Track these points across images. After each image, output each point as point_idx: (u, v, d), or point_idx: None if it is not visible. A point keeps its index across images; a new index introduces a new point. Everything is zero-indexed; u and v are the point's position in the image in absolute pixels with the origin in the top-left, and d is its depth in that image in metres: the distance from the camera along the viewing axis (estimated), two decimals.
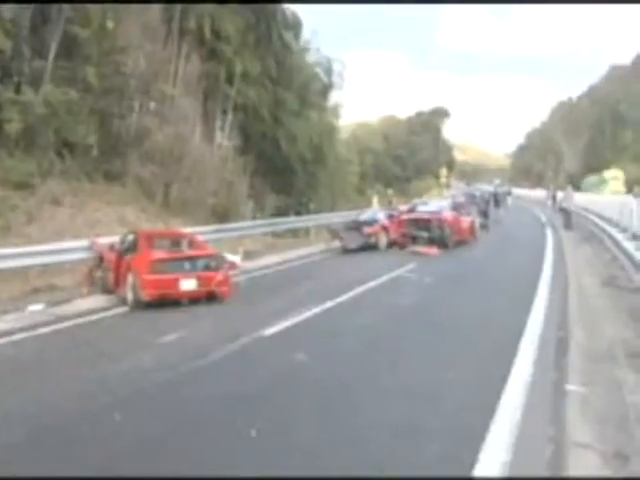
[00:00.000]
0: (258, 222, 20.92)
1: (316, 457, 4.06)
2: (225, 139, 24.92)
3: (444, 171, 58.27)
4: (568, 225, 23.89)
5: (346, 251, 17.45)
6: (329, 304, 9.42)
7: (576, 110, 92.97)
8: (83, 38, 17.40)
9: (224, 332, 7.75)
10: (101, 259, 11.23)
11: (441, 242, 17.30)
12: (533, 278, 11.63)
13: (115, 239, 11.65)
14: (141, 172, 18.87)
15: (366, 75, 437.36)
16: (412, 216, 19.23)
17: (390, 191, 41.16)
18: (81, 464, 4.01)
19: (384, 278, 12.07)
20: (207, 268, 10.01)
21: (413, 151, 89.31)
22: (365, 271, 13.21)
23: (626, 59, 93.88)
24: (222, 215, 21.06)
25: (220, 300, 9.90)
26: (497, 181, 66.19)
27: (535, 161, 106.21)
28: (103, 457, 4.11)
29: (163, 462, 4.04)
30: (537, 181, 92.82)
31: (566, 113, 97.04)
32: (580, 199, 31.18)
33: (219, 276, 10.01)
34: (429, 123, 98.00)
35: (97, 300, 10.26)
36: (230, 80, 23.92)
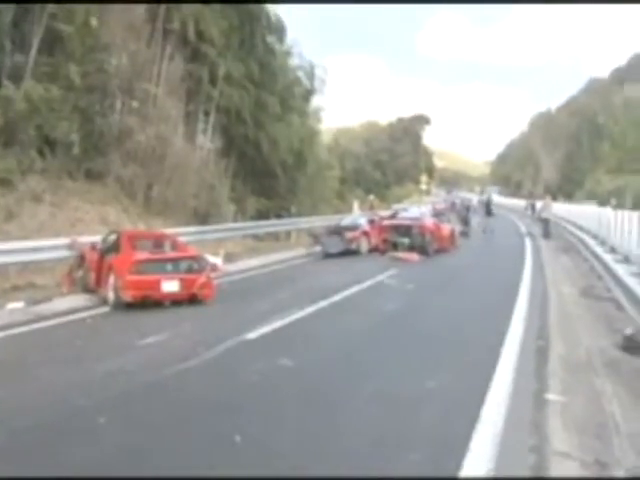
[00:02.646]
0: (239, 225, 20.93)
1: (298, 464, 4.05)
2: (207, 141, 24.82)
3: (424, 177, 59.14)
4: (547, 235, 24.25)
5: (327, 256, 17.56)
6: (311, 308, 9.44)
7: (555, 121, 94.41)
8: (66, 34, 17.18)
9: (207, 335, 7.71)
10: (82, 258, 11.15)
11: (422, 249, 17.46)
12: (513, 287, 11.77)
13: (96, 238, 11.58)
14: (123, 172, 18.71)
15: (348, 80, 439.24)
16: (393, 222, 19.46)
17: (372, 197, 41.53)
18: (63, 467, 3.94)
19: (366, 284, 12.14)
20: (189, 270, 9.99)
21: (394, 157, 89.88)
22: (347, 276, 13.27)
23: (605, 72, 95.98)
24: (203, 217, 21.00)
25: (202, 302, 9.88)
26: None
27: (514, 170, 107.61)
28: (86, 460, 4.04)
29: (147, 466, 3.99)
30: (516, 190, 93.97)
31: (545, 124, 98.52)
32: (560, 209, 31.62)
33: (201, 278, 10.00)
34: (410, 129, 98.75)
35: (78, 300, 10.19)
36: (213, 82, 23.86)
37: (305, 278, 13.58)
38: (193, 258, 10.35)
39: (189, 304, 9.75)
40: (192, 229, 17.18)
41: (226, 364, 6.52)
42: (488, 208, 28.26)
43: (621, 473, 3.97)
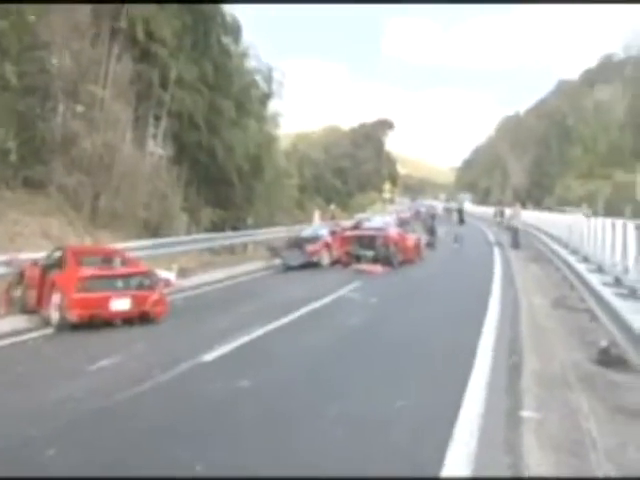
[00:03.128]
0: (193, 237, 20.71)
1: None
2: (158, 147, 24.57)
3: (388, 185, 59.63)
4: (516, 244, 24.67)
5: (287, 269, 17.60)
6: (271, 326, 9.44)
7: (523, 125, 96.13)
8: (0, 30, 16.72)
9: (161, 357, 7.62)
10: (21, 276, 10.86)
11: (386, 261, 17.68)
12: (482, 299, 12.00)
13: (38, 255, 11.31)
14: (67, 181, 18.30)
15: (307, 84, 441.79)
16: (356, 233, 19.66)
17: (333, 206, 41.72)
18: None
19: (328, 298, 12.22)
20: (141, 286, 9.86)
21: (356, 163, 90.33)
22: (308, 291, 13.36)
23: (575, 74, 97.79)
24: (154, 229, 20.74)
25: (155, 321, 9.76)
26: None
27: (481, 176, 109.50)
28: None
29: None
30: (484, 197, 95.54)
31: (513, 128, 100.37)
32: (529, 216, 32.25)
33: (154, 295, 9.89)
34: (372, 135, 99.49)
35: (16, 321, 9.92)
36: (164, 84, 23.62)
37: (265, 293, 13.58)
38: (144, 274, 10.22)
39: (141, 323, 9.62)
40: (143, 243, 16.88)
41: (183, 387, 6.46)
42: (460, 216, 28.58)
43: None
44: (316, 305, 11.44)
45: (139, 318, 9.66)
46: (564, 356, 7.68)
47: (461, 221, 27.90)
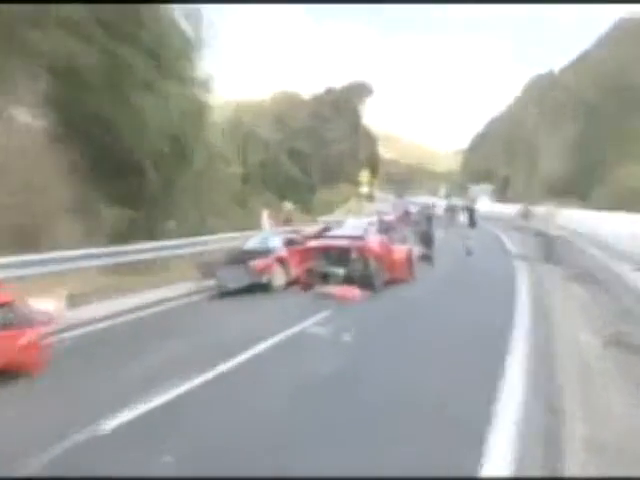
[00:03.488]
0: (87, 251, 20.27)
1: None
2: (30, 117, 24.00)
3: (366, 175, 59.35)
4: (549, 256, 24.74)
5: (224, 294, 17.59)
6: (198, 380, 9.32)
7: (559, 87, 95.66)
8: None
9: (41, 428, 7.47)
10: None
11: (365, 282, 17.63)
12: (503, 336, 11.91)
13: None
14: None
15: (251, 34, 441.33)
16: (323, 243, 19.52)
17: (289, 204, 41.45)
18: None
19: (280, 336, 12.09)
20: (3, 325, 9.56)
21: (321, 144, 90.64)
22: (252, 325, 13.35)
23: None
24: (28, 238, 20.25)
25: (27, 376, 9.52)
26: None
27: (498, 161, 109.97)
28: None
29: None
30: (502, 190, 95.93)
31: (545, 92, 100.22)
32: (571, 217, 32.16)
33: (25, 337, 9.62)
34: (344, 105, 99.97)
35: None
36: (39, 24, 22.95)
37: (190, 330, 13.40)
38: (8, 306, 9.90)
39: (8, 379, 9.35)
40: (9, 259, 16.50)
41: (71, 473, 6.31)
42: (471, 217, 28.15)
43: None
44: (262, 347, 11.27)
45: (4, 373, 9.36)
46: (621, 416, 7.64)
47: (472, 224, 27.57)
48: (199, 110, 35.42)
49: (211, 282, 18.19)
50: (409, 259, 20.60)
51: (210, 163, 36.90)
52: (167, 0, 28.22)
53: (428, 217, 30.02)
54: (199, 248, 23.50)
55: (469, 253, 25.93)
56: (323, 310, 14.73)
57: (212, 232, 28.29)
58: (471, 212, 30.80)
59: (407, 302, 16.97)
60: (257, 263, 18.12)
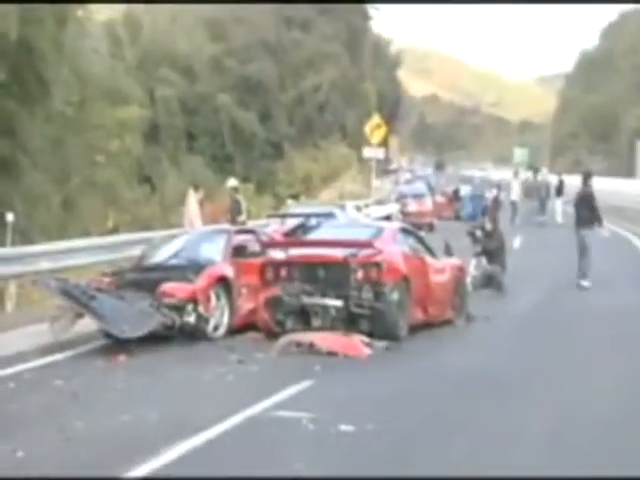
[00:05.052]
0: None
1: None
2: None
3: (376, 127, 41.74)
4: None
5: (118, 344, 11.83)
6: None
7: None
8: None
9: None
10: None
11: (377, 325, 12.10)
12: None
13: None
14: None
15: None
16: (299, 253, 13.56)
17: (233, 181, 28.42)
18: None
19: (224, 425, 7.92)
20: None
21: (293, 71, 54.89)
22: (171, 404, 8.99)
23: None
24: None
25: None
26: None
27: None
28: None
29: None
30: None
31: None
32: None
33: None
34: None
35: None
36: None
37: (48, 418, 8.48)
38: None
39: None
40: None
41: None
42: (588, 209, 18.24)
43: None
44: (189, 446, 7.11)
45: None
46: None
47: (590, 221, 17.65)
48: (62, 15, 24.60)
49: (88, 323, 12.38)
50: (457, 285, 14.89)
51: (84, 102, 27.35)
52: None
53: (495, 203, 23.22)
54: (67, 261, 16.55)
55: (582, 277, 18.48)
56: (300, 378, 9.97)
57: (91, 233, 20.83)
58: (586, 198, 19.72)
59: (455, 363, 11.36)
60: (174, 288, 12.51)
